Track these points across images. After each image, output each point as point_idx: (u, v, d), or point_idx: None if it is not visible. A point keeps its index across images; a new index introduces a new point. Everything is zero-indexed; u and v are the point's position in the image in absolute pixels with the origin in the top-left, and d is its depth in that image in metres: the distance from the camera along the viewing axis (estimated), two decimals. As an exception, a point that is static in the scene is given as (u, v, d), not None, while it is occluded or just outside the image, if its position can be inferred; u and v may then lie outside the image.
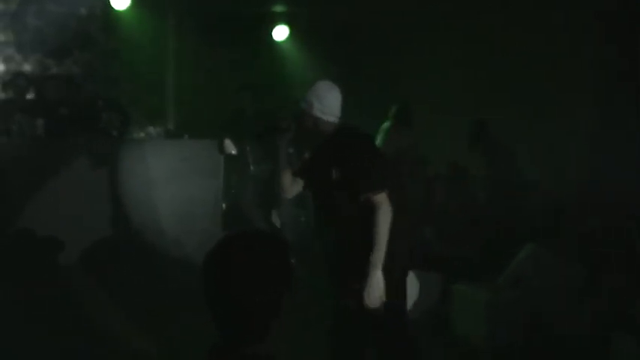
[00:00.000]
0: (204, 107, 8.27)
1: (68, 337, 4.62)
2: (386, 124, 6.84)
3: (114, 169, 6.53)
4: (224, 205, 7.19)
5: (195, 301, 1.85)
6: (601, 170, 5.71)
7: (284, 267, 1.68)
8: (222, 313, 1.64)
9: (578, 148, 6.02)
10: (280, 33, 8.43)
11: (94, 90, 7.02)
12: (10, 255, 5.96)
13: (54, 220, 6.09)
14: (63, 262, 6.12)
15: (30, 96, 7.27)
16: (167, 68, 8.38)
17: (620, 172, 5.47)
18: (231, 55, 8.52)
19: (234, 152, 6.88)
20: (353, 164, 3.10)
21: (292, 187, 3.41)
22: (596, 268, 4.65)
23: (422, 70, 7.59)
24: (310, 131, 3.23)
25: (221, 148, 6.85)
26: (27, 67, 7.61)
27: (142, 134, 7.27)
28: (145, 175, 6.63)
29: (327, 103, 3.22)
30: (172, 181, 6.70)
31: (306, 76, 8.27)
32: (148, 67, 8.24)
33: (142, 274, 6.09)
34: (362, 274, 3.05)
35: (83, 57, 7.88)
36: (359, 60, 8.42)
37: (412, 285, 3.38)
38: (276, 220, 6.73)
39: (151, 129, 7.40)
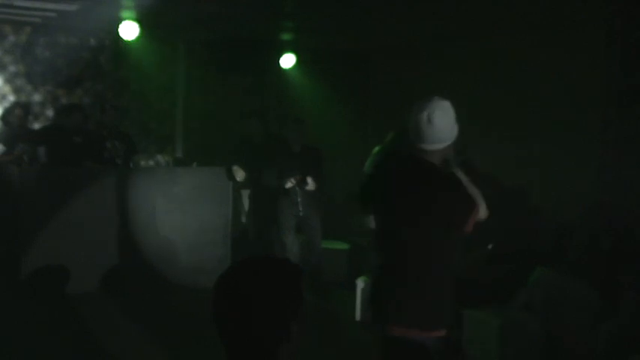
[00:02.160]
0: (213, 134, 8.34)
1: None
2: (376, 149, 6.80)
3: (123, 197, 6.57)
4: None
5: (207, 328, 1.85)
6: (612, 189, 5.69)
7: (295, 293, 1.67)
8: (231, 338, 1.63)
9: (586, 168, 5.99)
10: (288, 61, 8.51)
11: (102, 119, 7.08)
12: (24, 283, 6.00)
13: (66, 248, 6.15)
14: (71, 291, 6.14)
15: (31, 124, 7.42)
16: (176, 97, 8.47)
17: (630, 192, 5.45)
18: (239, 83, 8.62)
19: (242, 178, 6.91)
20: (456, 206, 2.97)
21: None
22: (610, 290, 4.61)
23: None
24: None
25: (230, 175, 6.88)
26: (37, 98, 7.71)
27: (152, 162, 7.31)
28: (155, 202, 6.67)
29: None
30: (182, 209, 6.74)
31: (312, 103, 8.36)
32: (157, 95, 8.33)
33: (153, 301, 6.09)
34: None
35: (93, 87, 7.98)
36: (365, 88, 8.49)
37: None
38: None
39: (160, 157, 7.45)
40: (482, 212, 3.04)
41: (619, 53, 5.58)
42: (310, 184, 6.46)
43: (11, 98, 7.53)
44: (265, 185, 6.78)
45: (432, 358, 2.98)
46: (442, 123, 2.95)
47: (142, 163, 7.20)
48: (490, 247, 5.82)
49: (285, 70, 8.60)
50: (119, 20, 6.95)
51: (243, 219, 7.74)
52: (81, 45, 7.80)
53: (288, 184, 6.47)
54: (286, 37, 8.10)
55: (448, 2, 5.79)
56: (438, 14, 6.23)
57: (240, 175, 6.84)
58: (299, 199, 6.47)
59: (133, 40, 7.25)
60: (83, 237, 6.25)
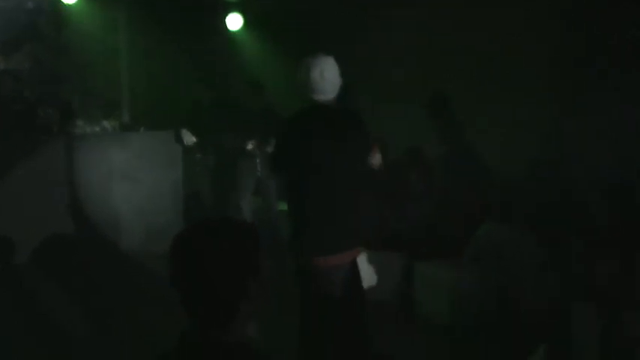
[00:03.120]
0: (159, 99, 8.20)
1: (23, 337, 4.57)
2: None
3: (69, 164, 6.43)
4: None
5: (163, 291, 1.85)
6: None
7: (251, 251, 1.69)
8: (189, 297, 1.65)
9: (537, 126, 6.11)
10: (234, 22, 8.36)
11: (42, 86, 6.86)
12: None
13: (6, 220, 5.98)
14: (17, 262, 6.02)
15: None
16: (120, 61, 8.26)
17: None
18: (184, 46, 8.44)
19: (191, 143, 6.85)
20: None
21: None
22: (553, 241, 4.76)
23: (376, 56, 7.61)
24: None
25: (178, 139, 6.81)
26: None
27: (97, 128, 7.17)
28: (102, 169, 6.55)
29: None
30: (130, 175, 6.64)
31: (262, 66, 8.27)
32: (101, 60, 8.11)
33: (103, 270, 6.03)
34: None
35: (32, 51, 7.70)
36: (316, 49, 8.41)
37: (364, 266, 3.47)
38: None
39: (106, 123, 7.31)
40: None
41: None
42: (271, 145, 6.49)
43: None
44: (226, 148, 6.78)
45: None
46: (332, 77, 3.42)
47: (88, 129, 7.05)
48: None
49: (232, 32, 8.47)
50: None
51: (200, 183, 7.69)
52: (17, 7, 7.50)
53: (249, 146, 6.50)
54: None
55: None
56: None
57: (188, 139, 6.78)
58: (258, 160, 6.54)
59: (73, 4, 7.03)
60: (24, 210, 6.08)
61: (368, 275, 3.49)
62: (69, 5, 7.14)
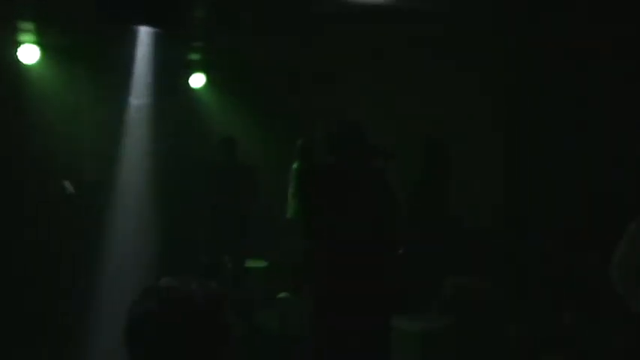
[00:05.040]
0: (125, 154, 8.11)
1: None
2: (295, 164, 6.88)
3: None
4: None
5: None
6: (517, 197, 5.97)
7: (216, 321, 1.55)
8: None
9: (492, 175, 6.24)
10: (197, 80, 8.44)
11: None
12: None
13: None
14: None
15: None
16: (82, 120, 8.18)
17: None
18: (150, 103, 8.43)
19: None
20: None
21: None
22: (519, 293, 4.82)
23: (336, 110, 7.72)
24: None
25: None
26: None
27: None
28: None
29: None
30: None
31: (224, 123, 8.31)
32: (62, 118, 8.01)
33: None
34: None
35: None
36: (276, 105, 8.51)
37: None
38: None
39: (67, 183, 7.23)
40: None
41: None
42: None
43: None
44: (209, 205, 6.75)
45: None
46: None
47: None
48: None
49: (196, 90, 8.52)
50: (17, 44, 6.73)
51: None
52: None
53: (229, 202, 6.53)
54: (195, 56, 8.04)
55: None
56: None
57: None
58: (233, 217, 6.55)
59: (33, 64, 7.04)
60: None
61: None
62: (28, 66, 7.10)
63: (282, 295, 5.90)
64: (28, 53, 6.92)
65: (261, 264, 7.36)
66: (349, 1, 5.39)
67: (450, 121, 6.33)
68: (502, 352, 4.63)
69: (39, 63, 7.14)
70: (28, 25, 6.25)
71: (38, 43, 6.91)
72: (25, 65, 7.06)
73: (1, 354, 4.55)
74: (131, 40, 6.36)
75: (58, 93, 7.63)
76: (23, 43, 6.85)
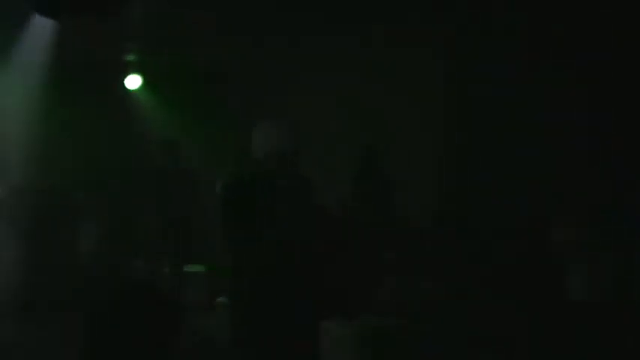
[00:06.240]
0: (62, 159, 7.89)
1: None
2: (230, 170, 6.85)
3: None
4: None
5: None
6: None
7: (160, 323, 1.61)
8: None
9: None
10: (133, 82, 8.29)
11: None
12: None
13: None
14: None
15: None
16: (13, 121, 7.90)
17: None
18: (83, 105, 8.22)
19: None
20: None
21: None
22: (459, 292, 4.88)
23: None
24: None
25: None
26: None
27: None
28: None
29: None
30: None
31: (159, 124, 8.17)
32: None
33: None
34: None
35: None
36: (213, 107, 8.43)
37: None
38: None
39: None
40: None
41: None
42: None
43: None
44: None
45: None
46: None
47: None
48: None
49: (131, 92, 8.36)
50: None
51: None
52: None
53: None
54: (131, 57, 7.89)
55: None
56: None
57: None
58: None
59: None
60: None
61: None
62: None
63: (220, 299, 5.82)
64: None
65: (200, 268, 7.25)
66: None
67: (385, 124, 6.40)
68: (441, 351, 4.67)
69: None
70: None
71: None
72: None
73: None
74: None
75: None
76: None
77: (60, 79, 7.86)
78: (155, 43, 7.04)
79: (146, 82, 8.34)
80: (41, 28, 6.14)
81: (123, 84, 8.25)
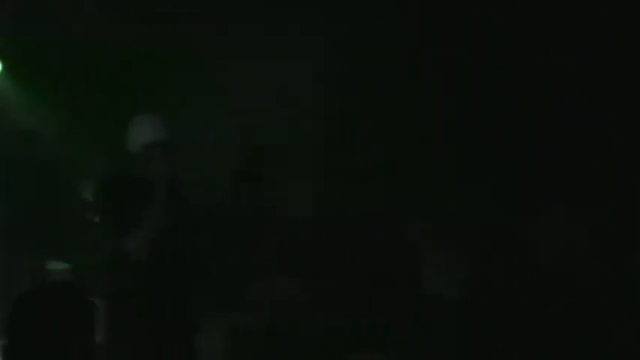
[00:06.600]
0: None
1: None
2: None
3: None
4: None
5: None
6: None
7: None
8: None
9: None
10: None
11: None
12: None
13: None
14: None
15: None
16: None
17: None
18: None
19: None
20: None
21: None
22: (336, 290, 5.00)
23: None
24: None
25: None
26: None
27: None
28: None
29: None
30: None
31: (22, 113, 7.72)
32: None
33: None
34: None
35: None
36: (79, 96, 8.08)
37: None
38: None
39: None
40: None
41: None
42: None
43: None
44: None
45: None
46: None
47: None
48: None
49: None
50: None
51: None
52: None
53: None
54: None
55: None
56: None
57: None
58: None
59: None
60: None
61: None
62: None
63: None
64: None
65: (62, 266, 6.95)
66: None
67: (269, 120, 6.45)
68: (311, 351, 4.76)
69: None
70: None
71: None
72: None
73: None
74: None
75: None
76: None
77: None
78: (17, 28, 6.65)
79: (6, 68, 7.86)
80: None
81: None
